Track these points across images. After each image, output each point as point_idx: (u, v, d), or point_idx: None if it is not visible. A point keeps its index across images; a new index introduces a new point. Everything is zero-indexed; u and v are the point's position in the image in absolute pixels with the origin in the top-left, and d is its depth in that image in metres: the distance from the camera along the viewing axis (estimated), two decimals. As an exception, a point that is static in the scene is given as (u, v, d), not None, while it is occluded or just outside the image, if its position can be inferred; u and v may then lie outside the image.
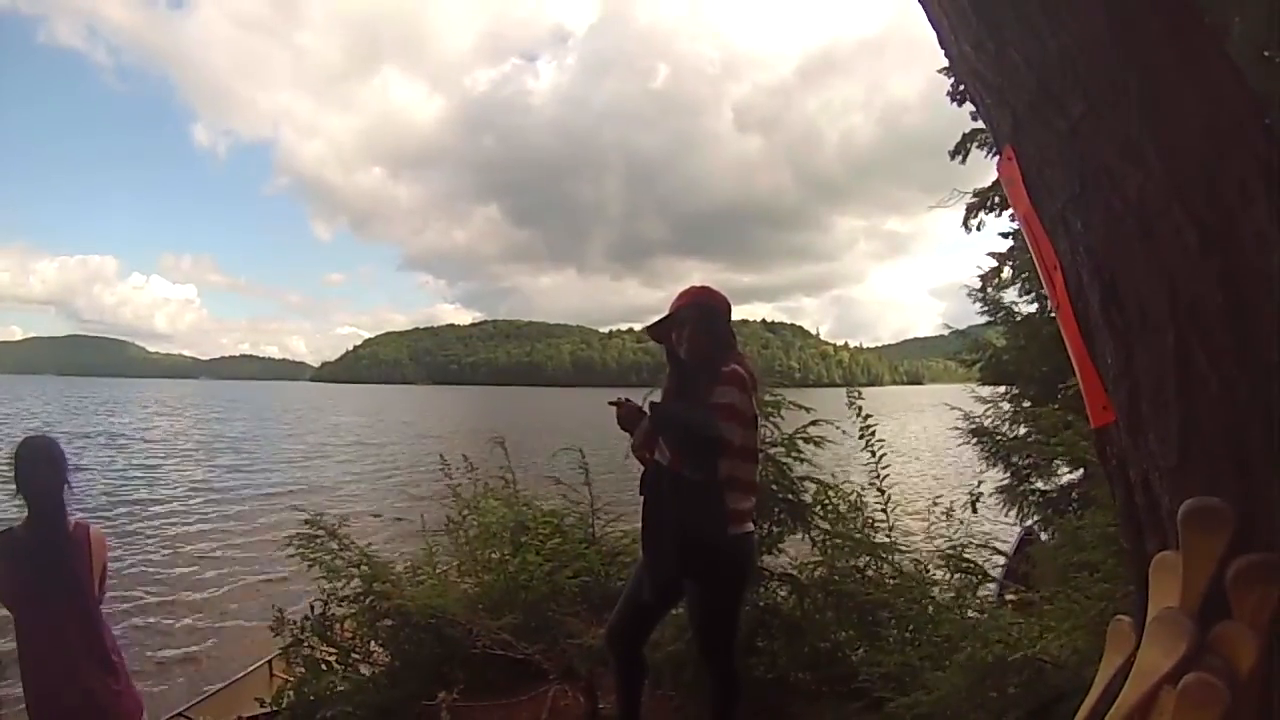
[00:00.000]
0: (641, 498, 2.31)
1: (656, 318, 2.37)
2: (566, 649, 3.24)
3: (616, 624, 2.39)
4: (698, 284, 2.39)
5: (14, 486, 2.29)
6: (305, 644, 3.35)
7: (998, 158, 1.05)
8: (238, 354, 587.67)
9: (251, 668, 5.21)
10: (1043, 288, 1.08)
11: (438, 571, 3.57)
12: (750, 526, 2.30)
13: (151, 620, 8.21)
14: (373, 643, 3.40)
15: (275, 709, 3.36)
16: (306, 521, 3.56)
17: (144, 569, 10.22)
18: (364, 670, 3.33)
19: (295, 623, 3.40)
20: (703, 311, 2.31)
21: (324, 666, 3.26)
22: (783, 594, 3.05)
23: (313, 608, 3.41)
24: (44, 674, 2.31)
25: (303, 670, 3.30)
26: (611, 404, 2.29)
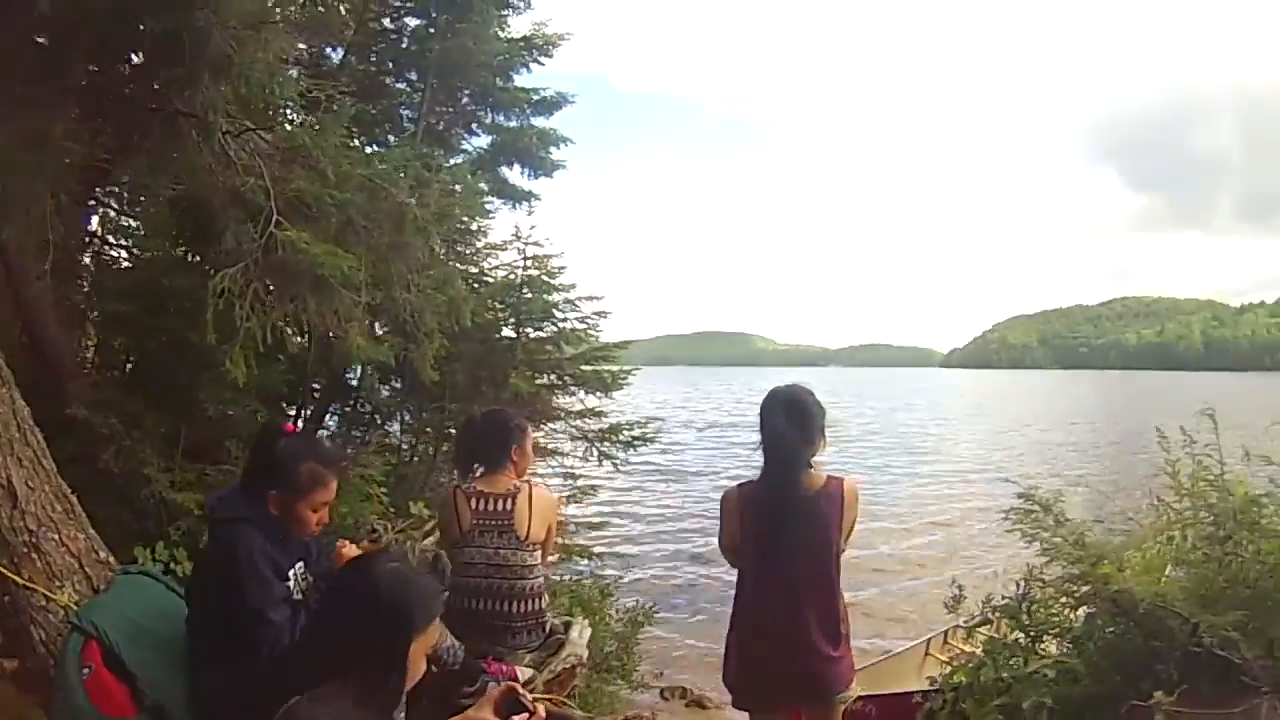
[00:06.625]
0: None
1: None
2: (1280, 658, 2.73)
3: None
4: None
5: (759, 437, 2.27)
6: (993, 624, 3.23)
7: None
8: (865, 343, 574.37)
9: (908, 645, 5.22)
10: None
11: (1153, 554, 3.15)
12: None
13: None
14: (1062, 631, 3.15)
15: (934, 688, 3.28)
16: (1020, 495, 3.40)
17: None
18: (1051, 657, 3.07)
19: (985, 601, 3.29)
20: None
21: (1006, 651, 3.06)
22: None
23: (1017, 585, 3.24)
24: (763, 636, 2.27)
25: (980, 652, 3.17)
26: None
